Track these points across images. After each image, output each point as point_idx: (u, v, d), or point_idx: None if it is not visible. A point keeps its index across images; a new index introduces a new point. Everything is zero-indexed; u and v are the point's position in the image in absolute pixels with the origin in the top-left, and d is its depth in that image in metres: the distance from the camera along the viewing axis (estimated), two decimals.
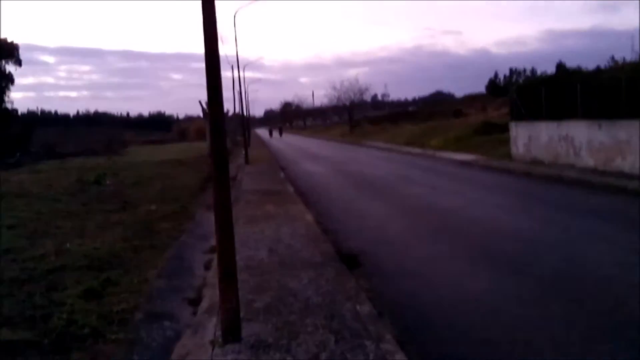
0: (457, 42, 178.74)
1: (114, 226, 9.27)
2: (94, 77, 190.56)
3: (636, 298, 5.10)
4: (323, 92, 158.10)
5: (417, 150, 27.21)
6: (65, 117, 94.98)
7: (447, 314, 5.02)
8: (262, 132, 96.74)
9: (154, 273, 6.51)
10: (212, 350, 4.14)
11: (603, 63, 19.77)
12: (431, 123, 37.45)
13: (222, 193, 4.26)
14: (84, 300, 5.41)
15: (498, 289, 5.63)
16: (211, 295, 5.64)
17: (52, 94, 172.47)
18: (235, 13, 26.51)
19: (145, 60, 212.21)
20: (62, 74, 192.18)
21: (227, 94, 42.76)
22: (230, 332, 4.23)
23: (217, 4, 4.18)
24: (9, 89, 39.68)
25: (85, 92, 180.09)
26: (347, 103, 62.47)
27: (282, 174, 18.67)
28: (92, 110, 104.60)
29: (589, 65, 29.14)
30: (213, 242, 7.67)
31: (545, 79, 19.85)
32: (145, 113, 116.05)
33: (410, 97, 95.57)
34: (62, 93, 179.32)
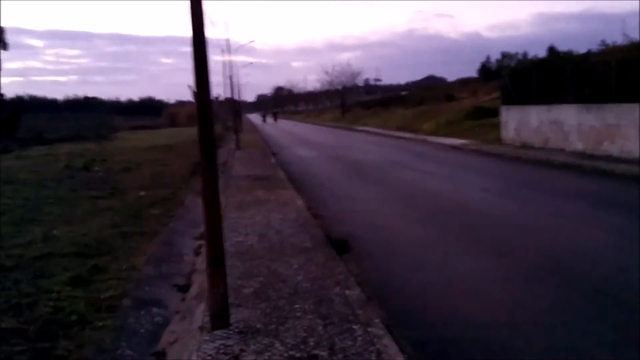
0: (449, 26, 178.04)
1: (103, 212, 9.19)
2: (83, 61, 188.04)
3: (620, 278, 5.15)
4: (315, 76, 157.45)
5: (409, 134, 27.20)
6: (53, 102, 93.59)
7: (436, 298, 5.04)
8: (254, 117, 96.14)
9: (142, 259, 6.47)
10: (201, 336, 4.13)
11: (594, 46, 19.80)
12: (423, 107, 37.40)
13: (210, 179, 4.22)
14: (71, 287, 5.37)
15: (486, 272, 5.66)
16: (200, 281, 5.63)
17: (40, 78, 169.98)
18: None
19: (134, 44, 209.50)
20: (50, 58, 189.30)
21: (217, 78, 42.17)
22: (219, 318, 4.22)
23: None
24: None
25: (73, 77, 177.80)
26: (339, 87, 62.21)
27: (273, 159, 18.59)
28: (81, 95, 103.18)
29: (580, 48, 29.18)
30: (203, 228, 7.65)
31: (536, 63, 19.86)
32: (136, 98, 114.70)
33: (402, 82, 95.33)
34: (50, 78, 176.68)
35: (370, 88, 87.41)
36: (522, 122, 18.21)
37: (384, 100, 56.72)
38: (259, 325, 4.23)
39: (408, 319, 4.55)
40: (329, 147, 23.62)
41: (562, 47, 37.66)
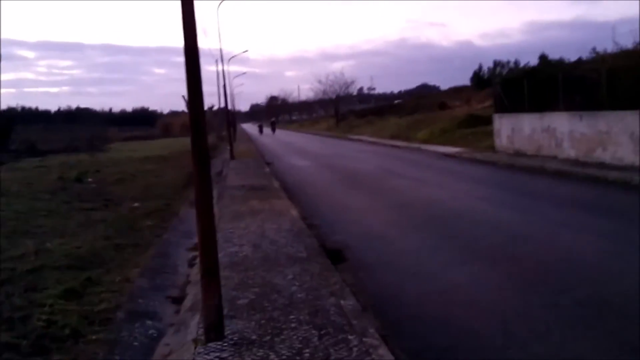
0: (441, 34, 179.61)
1: (96, 224, 9.14)
2: (75, 72, 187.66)
3: (614, 285, 5.17)
4: (309, 85, 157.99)
5: (403, 143, 27.30)
6: (46, 114, 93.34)
7: (431, 307, 5.04)
8: (249, 127, 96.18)
9: (136, 272, 6.43)
10: (195, 348, 4.10)
11: (585, 54, 20.01)
12: (417, 116, 37.57)
13: (203, 189, 4.21)
14: (64, 301, 5.32)
15: (480, 280, 5.67)
16: (195, 293, 5.59)
17: (32, 89, 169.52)
18: (219, 6, 26.20)
19: (127, 54, 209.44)
20: (42, 69, 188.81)
21: (211, 88, 42.54)
22: (213, 330, 4.19)
23: None
24: None
25: (66, 88, 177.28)
26: (333, 96, 62.41)
27: (267, 169, 18.59)
28: (73, 106, 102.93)
29: (571, 56, 29.51)
30: (197, 239, 7.62)
31: (528, 71, 20.03)
32: (129, 108, 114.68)
33: (396, 90, 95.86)
34: (42, 89, 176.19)
35: (363, 97, 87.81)
36: (515, 130, 18.33)
37: (377, 109, 56.99)
38: (254, 337, 4.20)
39: (403, 329, 4.54)
40: (323, 157, 23.66)
41: (553, 55, 38.07)
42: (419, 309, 4.99)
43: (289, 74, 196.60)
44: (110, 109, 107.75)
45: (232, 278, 5.79)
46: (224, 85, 29.08)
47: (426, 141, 26.08)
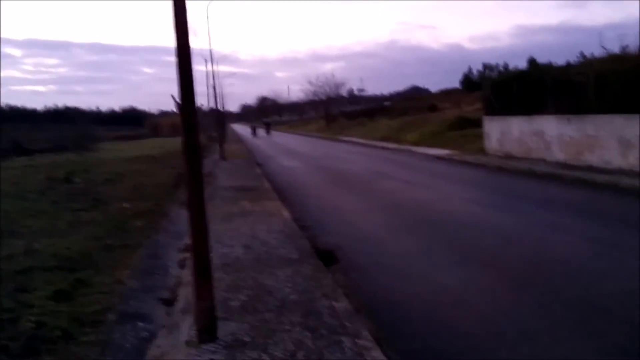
0: (431, 37, 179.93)
1: (85, 225, 9.05)
2: (62, 70, 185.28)
3: (603, 287, 5.24)
4: (299, 86, 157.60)
5: (393, 145, 27.40)
6: (33, 112, 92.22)
7: (423, 308, 5.07)
8: (239, 127, 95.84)
9: (127, 273, 6.38)
10: (188, 350, 4.08)
11: (572, 58, 20.26)
12: (407, 118, 37.72)
13: (195, 190, 4.20)
14: (54, 302, 5.26)
15: (472, 282, 5.71)
16: (186, 294, 5.56)
17: (19, 88, 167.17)
18: (208, 5, 26.12)
19: (115, 53, 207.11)
20: (29, 68, 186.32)
21: (201, 88, 42.28)
22: (206, 332, 4.17)
23: None
24: None
25: (53, 87, 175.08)
26: (324, 98, 62.52)
27: (258, 170, 18.55)
28: (60, 105, 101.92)
29: (559, 60, 29.85)
30: (188, 240, 7.58)
31: (517, 75, 20.19)
32: (117, 108, 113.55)
33: (386, 92, 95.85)
34: (29, 87, 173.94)
35: (354, 98, 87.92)
36: (504, 133, 18.49)
37: (368, 111, 57.09)
38: (246, 339, 4.20)
39: (396, 330, 4.56)
40: (314, 158, 23.67)
41: (541, 58, 38.49)
42: (411, 311, 5.02)
43: (279, 74, 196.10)
44: (98, 108, 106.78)
45: (223, 280, 5.77)
46: (214, 85, 28.99)
47: (416, 143, 26.20)
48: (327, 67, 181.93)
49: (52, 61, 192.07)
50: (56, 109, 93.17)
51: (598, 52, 16.42)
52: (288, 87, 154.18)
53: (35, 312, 4.94)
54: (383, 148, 27.02)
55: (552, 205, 9.81)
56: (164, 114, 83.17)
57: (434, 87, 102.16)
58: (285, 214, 9.71)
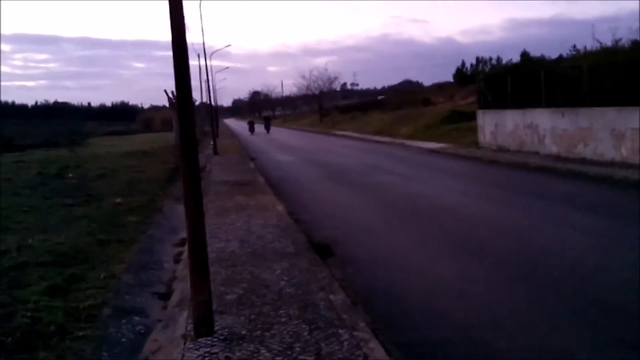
0: (422, 31, 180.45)
1: (78, 220, 8.97)
2: (52, 65, 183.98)
3: (598, 278, 5.28)
4: (292, 81, 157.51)
5: (387, 139, 27.42)
6: (23, 108, 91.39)
7: (420, 300, 5.08)
8: (232, 122, 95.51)
9: (121, 268, 6.34)
10: (184, 344, 4.07)
11: (565, 51, 20.36)
12: (400, 112, 37.76)
13: (192, 184, 4.16)
14: (48, 297, 5.21)
15: (468, 274, 5.73)
16: (182, 288, 5.55)
17: (8, 83, 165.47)
18: (201, 1, 25.89)
19: (105, 47, 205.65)
20: (18, 63, 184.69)
21: (194, 83, 41.74)
22: (203, 325, 4.15)
23: None
24: None
25: (43, 82, 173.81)
26: (317, 92, 62.36)
27: (252, 165, 18.50)
28: (50, 100, 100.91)
29: (552, 53, 29.90)
30: (182, 234, 7.54)
31: (511, 68, 20.26)
32: (108, 103, 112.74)
33: (379, 86, 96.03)
34: (18, 82, 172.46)
35: (347, 93, 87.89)
36: (498, 126, 18.55)
37: (361, 105, 57.11)
38: (244, 332, 4.18)
39: (393, 322, 4.57)
40: (308, 152, 23.63)
41: (534, 52, 38.60)
42: (407, 303, 5.03)
43: (271, 69, 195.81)
44: (89, 104, 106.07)
45: (219, 274, 5.75)
46: (207, 80, 28.83)
47: (410, 137, 26.24)
48: (320, 61, 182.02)
49: (42, 56, 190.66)
50: (47, 104, 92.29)
51: (590, 45, 16.51)
52: (282, 81, 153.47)
53: (30, 307, 4.88)
54: (377, 142, 27.03)
55: (546, 198, 9.86)
56: (155, 109, 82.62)
57: (427, 80, 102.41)
58: (280, 208, 9.69)
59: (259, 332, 4.18)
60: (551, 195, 10.19)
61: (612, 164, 12.64)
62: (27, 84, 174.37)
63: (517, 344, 4.06)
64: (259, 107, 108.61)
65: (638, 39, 15.58)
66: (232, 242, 7.22)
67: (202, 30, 33.97)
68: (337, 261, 6.44)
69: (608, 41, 16.25)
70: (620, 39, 15.70)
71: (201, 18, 46.33)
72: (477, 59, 52.14)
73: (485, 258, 6.26)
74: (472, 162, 16.42)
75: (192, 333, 4.17)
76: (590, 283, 5.21)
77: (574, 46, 19.82)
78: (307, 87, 63.80)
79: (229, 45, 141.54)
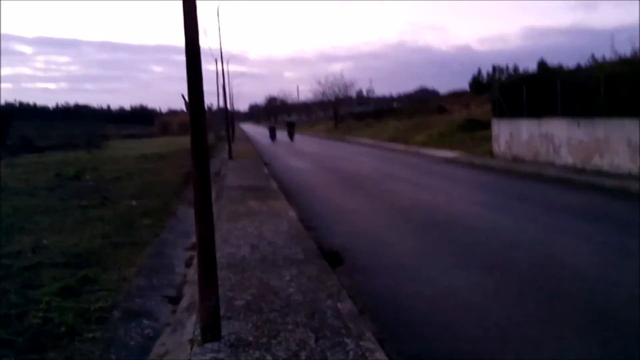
0: (439, 38, 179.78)
1: (93, 222, 9.12)
2: (73, 68, 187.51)
3: (610, 292, 5.20)
4: (308, 87, 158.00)
5: (402, 146, 27.34)
6: (44, 110, 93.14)
7: (428, 311, 5.05)
8: (248, 127, 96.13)
9: (133, 270, 6.42)
10: (191, 349, 4.10)
11: (583, 61, 20.10)
12: (415, 119, 37.60)
13: (202, 189, 4.21)
14: (60, 298, 5.30)
15: (477, 286, 5.68)
16: (192, 293, 5.59)
17: (30, 85, 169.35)
18: (218, 6, 26.20)
19: (125, 51, 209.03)
20: (40, 65, 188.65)
21: (210, 87, 42.49)
22: (210, 331, 4.19)
23: None
24: None
25: (63, 84, 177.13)
26: (332, 98, 62.47)
27: (265, 170, 18.59)
28: (71, 102, 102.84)
29: (570, 63, 29.66)
30: (194, 239, 7.61)
31: (527, 77, 20.06)
32: (127, 106, 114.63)
33: (395, 93, 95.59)
34: (40, 84, 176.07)
35: (363, 99, 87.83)
36: (513, 135, 18.38)
37: (376, 112, 56.98)
38: (250, 338, 4.21)
39: (400, 333, 4.55)
40: (322, 158, 23.67)
41: (552, 60, 38.29)
42: (415, 313, 5.00)
43: (287, 74, 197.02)
44: (109, 106, 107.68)
45: (229, 279, 5.79)
46: (224, 85, 29.08)
47: (424, 145, 26.12)
48: (335, 68, 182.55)
49: (63, 59, 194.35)
50: (67, 106, 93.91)
51: (609, 54, 16.28)
52: (297, 87, 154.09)
53: (42, 308, 4.98)
54: (391, 149, 26.97)
55: (560, 210, 9.74)
56: (173, 113, 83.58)
57: (443, 88, 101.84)
58: (292, 214, 9.72)
59: (265, 339, 4.19)
60: (565, 207, 10.05)
61: (628, 176, 12.43)
62: (49, 86, 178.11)
63: (526, 358, 4.02)
64: (275, 112, 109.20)
65: None
66: (243, 247, 7.27)
67: (220, 35, 34.34)
68: (347, 269, 6.44)
69: (628, 51, 16.02)
70: (639, 49, 15.47)
71: (219, 23, 46.88)
72: (494, 67, 51.83)
73: (496, 270, 6.20)
74: (486, 172, 16.29)
75: (199, 338, 4.21)
76: (602, 297, 5.13)
77: (593, 56, 19.59)
78: (323, 93, 63.99)
79: (246, 51, 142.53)
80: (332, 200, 12.04)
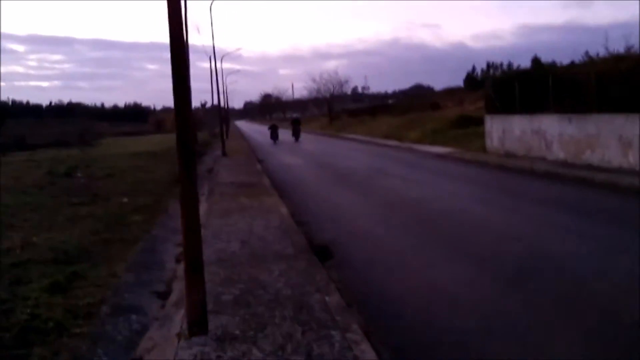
0: (434, 35, 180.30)
1: (84, 219, 9.09)
2: (66, 66, 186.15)
3: (596, 284, 5.25)
4: (302, 84, 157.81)
5: (395, 142, 27.37)
6: (37, 108, 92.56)
7: (415, 304, 5.08)
8: (243, 124, 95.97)
9: (123, 267, 6.42)
10: (178, 343, 4.11)
11: (577, 58, 20.10)
12: (409, 116, 37.61)
13: (188, 185, 4.22)
14: (48, 294, 5.30)
15: (465, 279, 5.71)
16: (181, 288, 5.57)
17: (22, 83, 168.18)
18: (212, 3, 26.10)
19: (118, 49, 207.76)
20: (33, 63, 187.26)
21: (205, 85, 42.33)
22: (197, 325, 4.20)
23: None
24: None
25: (57, 82, 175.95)
26: (327, 95, 62.43)
27: (259, 166, 18.58)
28: (65, 100, 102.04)
29: (564, 60, 29.65)
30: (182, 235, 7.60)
31: (519, 73, 20.13)
32: (120, 104, 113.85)
33: (390, 90, 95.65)
34: (33, 83, 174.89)
35: (357, 96, 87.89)
36: (505, 131, 18.44)
37: (371, 109, 57.02)
38: (237, 332, 4.22)
39: (387, 325, 4.58)
40: (316, 155, 23.68)
41: (546, 58, 38.35)
42: (403, 306, 5.03)
43: (282, 72, 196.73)
44: (102, 104, 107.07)
45: (218, 274, 5.80)
46: (217, 82, 29.01)
47: (418, 141, 26.16)
48: (330, 65, 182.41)
49: (56, 57, 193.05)
50: (60, 104, 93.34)
51: (603, 51, 16.30)
52: (292, 84, 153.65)
53: (30, 304, 4.97)
54: (385, 146, 27.00)
55: (550, 204, 9.79)
56: (167, 110, 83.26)
57: (438, 85, 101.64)
58: (284, 210, 9.73)
59: (252, 332, 4.21)
60: (555, 201, 10.11)
61: (619, 170, 12.51)
62: (42, 84, 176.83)
63: (510, 349, 4.05)
64: (271, 109, 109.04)
65: None
66: (233, 243, 7.28)
67: (212, 32, 34.25)
68: (336, 263, 6.46)
69: (621, 48, 16.04)
70: (632, 46, 15.51)
71: (211, 19, 46.58)
72: (488, 64, 51.97)
73: (484, 263, 6.24)
74: (478, 167, 16.35)
75: (186, 332, 4.22)
76: (587, 290, 5.18)
77: (587, 52, 19.63)
78: (318, 91, 63.92)
79: (240, 49, 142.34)
80: (324, 196, 12.06)
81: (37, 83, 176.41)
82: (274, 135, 33.84)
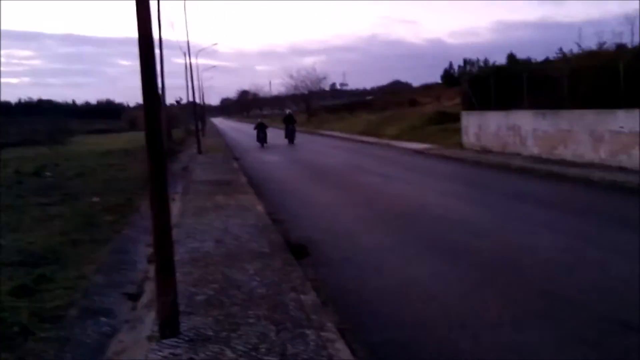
0: (411, 32, 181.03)
1: (53, 220, 8.82)
2: (35, 62, 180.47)
3: (568, 278, 5.31)
4: (280, 80, 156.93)
5: (373, 139, 27.43)
6: (6, 105, 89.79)
7: (391, 302, 5.06)
8: (219, 121, 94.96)
9: (92, 268, 6.23)
10: (149, 345, 3.99)
11: (552, 54, 20.41)
12: (387, 112, 37.81)
13: (158, 185, 4.09)
14: (14, 298, 5.11)
15: (440, 275, 5.73)
16: (152, 289, 5.43)
17: None
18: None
19: (89, 45, 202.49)
20: (1, 59, 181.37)
21: (180, 82, 41.61)
22: (168, 326, 4.09)
23: None
24: None
25: (26, 79, 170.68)
26: (305, 92, 62.26)
27: (235, 164, 18.38)
28: (34, 97, 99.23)
29: (539, 56, 30.15)
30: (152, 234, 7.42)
31: (495, 70, 20.38)
32: (93, 101, 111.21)
33: (369, 87, 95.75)
34: (1, 80, 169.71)
35: (336, 92, 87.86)
36: (481, 127, 18.66)
37: (349, 105, 57.13)
38: (210, 333, 4.12)
39: (362, 323, 4.54)
40: (293, 152, 23.56)
41: (521, 54, 38.84)
42: (378, 304, 5.00)
43: (259, 68, 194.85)
44: (74, 101, 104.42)
45: (191, 274, 5.68)
46: (192, 78, 28.62)
47: (396, 137, 26.29)
48: (308, 61, 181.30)
49: (25, 53, 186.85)
50: (30, 101, 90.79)
51: (576, 48, 16.58)
52: (270, 81, 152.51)
53: None
54: (362, 142, 27.05)
55: (524, 199, 9.92)
56: (141, 107, 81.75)
57: (416, 81, 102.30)
58: (260, 208, 9.62)
59: (225, 333, 4.12)
60: (529, 196, 10.25)
61: (591, 165, 12.77)
62: (10, 80, 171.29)
63: (483, 343, 4.06)
64: (248, 106, 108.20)
65: (622, 42, 15.77)
66: (207, 242, 7.14)
67: (187, 27, 33.76)
68: (312, 261, 6.40)
69: (593, 44, 16.34)
70: (604, 43, 15.83)
71: (185, 14, 45.90)
72: (465, 60, 52.37)
73: (459, 259, 6.26)
74: (455, 163, 16.49)
75: (157, 334, 4.10)
76: (559, 283, 5.24)
77: (560, 49, 19.95)
78: (295, 87, 63.69)
79: (216, 44, 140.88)
80: (302, 193, 11.98)
81: (5, 80, 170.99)
82: (262, 137, 28.08)
